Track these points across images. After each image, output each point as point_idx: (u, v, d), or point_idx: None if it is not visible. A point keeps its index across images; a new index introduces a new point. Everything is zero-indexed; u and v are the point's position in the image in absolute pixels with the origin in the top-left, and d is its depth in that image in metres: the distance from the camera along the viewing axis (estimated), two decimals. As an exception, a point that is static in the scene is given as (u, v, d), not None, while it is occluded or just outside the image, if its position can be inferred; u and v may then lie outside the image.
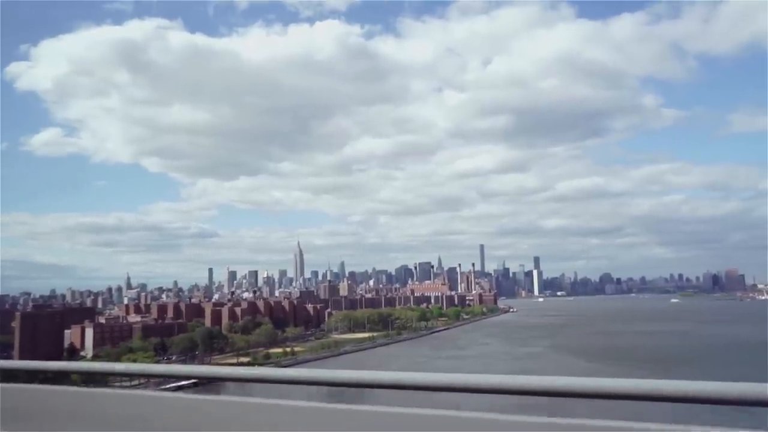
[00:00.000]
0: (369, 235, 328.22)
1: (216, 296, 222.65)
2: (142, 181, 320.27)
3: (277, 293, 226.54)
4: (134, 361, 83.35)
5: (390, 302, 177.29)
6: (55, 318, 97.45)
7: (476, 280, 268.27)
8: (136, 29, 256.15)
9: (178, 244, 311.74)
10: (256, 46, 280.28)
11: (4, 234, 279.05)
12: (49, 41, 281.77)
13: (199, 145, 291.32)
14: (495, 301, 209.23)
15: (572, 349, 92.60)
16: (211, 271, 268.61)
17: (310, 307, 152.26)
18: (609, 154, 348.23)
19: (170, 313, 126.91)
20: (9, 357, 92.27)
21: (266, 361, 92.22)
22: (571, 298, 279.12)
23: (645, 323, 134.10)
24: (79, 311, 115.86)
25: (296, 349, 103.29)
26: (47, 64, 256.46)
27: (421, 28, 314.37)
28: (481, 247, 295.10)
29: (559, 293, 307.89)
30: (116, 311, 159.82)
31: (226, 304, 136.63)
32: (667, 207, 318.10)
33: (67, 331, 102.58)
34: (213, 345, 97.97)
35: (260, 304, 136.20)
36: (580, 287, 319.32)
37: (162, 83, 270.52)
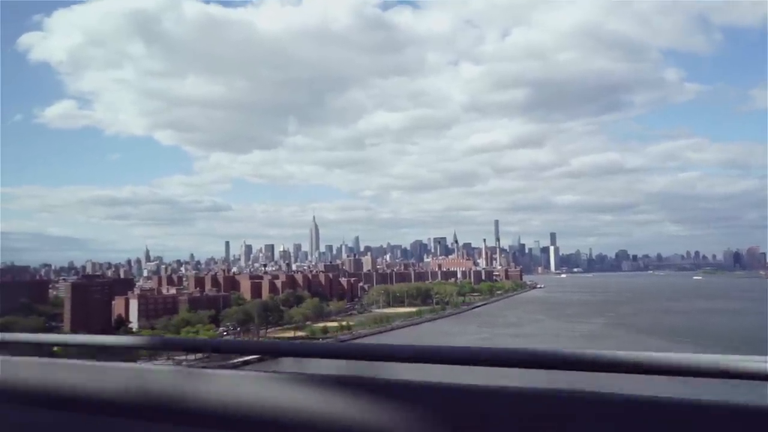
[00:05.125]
0: (381, 210, 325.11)
1: (234, 269, 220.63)
2: (156, 154, 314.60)
3: (294, 267, 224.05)
4: (196, 333, 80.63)
5: (420, 277, 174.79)
6: (105, 289, 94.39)
7: (494, 255, 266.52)
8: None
9: (191, 218, 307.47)
10: (271, 16, 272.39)
11: (18, 207, 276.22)
12: (62, 11, 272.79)
13: (212, 118, 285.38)
14: (521, 277, 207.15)
15: (639, 327, 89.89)
16: (228, 244, 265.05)
17: (343, 280, 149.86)
18: (626, 130, 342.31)
19: (207, 286, 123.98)
20: (57, 329, 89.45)
21: (324, 335, 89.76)
22: (591, 275, 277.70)
23: (693, 300, 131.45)
24: (120, 282, 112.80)
25: (350, 323, 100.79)
26: (61, 34, 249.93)
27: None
28: (496, 222, 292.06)
29: (575, 270, 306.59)
30: (140, 282, 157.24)
31: (263, 276, 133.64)
32: (683, 184, 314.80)
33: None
34: (268, 318, 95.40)
35: (298, 277, 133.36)
36: (596, 264, 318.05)
37: (176, 54, 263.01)
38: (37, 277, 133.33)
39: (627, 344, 75.92)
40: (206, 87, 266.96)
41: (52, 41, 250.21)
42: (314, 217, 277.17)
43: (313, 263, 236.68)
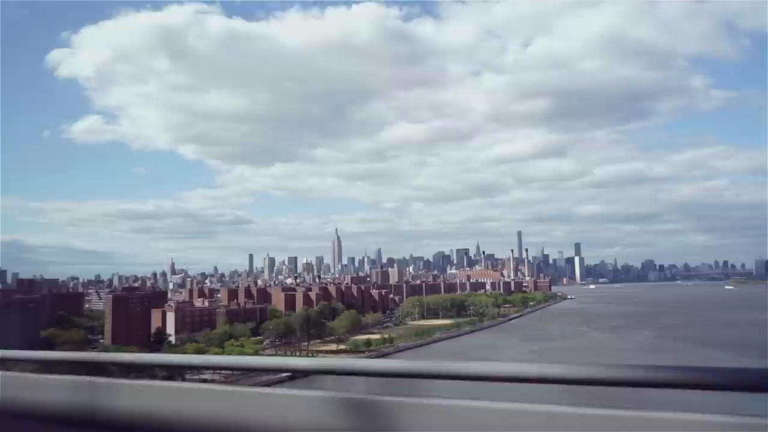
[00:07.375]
0: (402, 222, 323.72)
1: (259, 281, 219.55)
2: (179, 168, 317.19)
3: (317, 280, 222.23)
4: (241, 347, 78.53)
5: (450, 288, 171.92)
6: (144, 301, 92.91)
7: (520, 267, 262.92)
8: (175, 14, 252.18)
9: (213, 231, 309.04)
10: (293, 30, 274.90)
11: (46, 220, 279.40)
12: (90, 28, 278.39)
13: (235, 131, 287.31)
14: (549, 288, 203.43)
15: (698, 340, 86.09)
16: (251, 256, 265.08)
17: (374, 292, 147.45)
18: (651, 138, 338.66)
19: (241, 298, 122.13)
20: (96, 341, 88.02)
21: (368, 347, 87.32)
22: (618, 285, 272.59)
23: (740, 311, 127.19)
24: (155, 295, 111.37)
25: (392, 336, 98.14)
26: (88, 51, 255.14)
27: (461, 9, 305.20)
28: (519, 233, 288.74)
29: (601, 280, 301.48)
30: (170, 295, 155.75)
31: (295, 289, 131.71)
32: (709, 192, 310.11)
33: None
34: (309, 331, 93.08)
35: (332, 289, 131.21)
36: (621, 274, 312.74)
37: (200, 69, 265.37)
38: (70, 290, 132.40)
39: (692, 358, 72.43)
40: (229, 101, 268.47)
41: (79, 57, 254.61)
42: (337, 230, 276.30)
43: (337, 275, 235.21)
